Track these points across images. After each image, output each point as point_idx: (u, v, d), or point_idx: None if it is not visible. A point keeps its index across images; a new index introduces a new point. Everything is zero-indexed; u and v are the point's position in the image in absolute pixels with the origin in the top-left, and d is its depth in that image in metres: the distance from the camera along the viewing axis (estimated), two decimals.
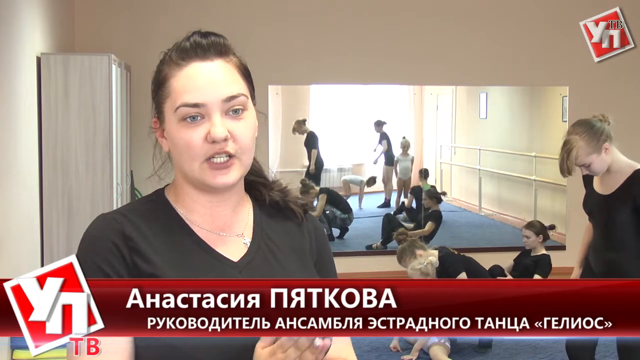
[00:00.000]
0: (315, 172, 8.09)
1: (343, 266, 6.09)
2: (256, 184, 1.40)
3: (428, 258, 5.14)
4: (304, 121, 7.99)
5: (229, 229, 1.34)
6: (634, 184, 3.41)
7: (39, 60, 5.00)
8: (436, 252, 5.05)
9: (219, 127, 1.24)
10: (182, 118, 1.25)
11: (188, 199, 1.32)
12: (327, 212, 8.05)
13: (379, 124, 8.44)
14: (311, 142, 8.06)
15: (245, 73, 1.32)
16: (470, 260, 5.03)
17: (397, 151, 8.55)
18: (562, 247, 7.48)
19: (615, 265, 3.56)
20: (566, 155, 3.35)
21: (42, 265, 5.01)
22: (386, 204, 8.68)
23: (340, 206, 8.01)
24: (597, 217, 3.62)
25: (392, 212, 8.40)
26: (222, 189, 1.29)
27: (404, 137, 8.52)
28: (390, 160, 8.59)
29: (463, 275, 4.90)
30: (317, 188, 7.90)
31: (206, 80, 1.26)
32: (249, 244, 1.34)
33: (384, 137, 8.50)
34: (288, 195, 1.43)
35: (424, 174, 8.34)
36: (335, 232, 8.00)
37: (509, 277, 4.98)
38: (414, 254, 4.95)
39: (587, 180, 3.67)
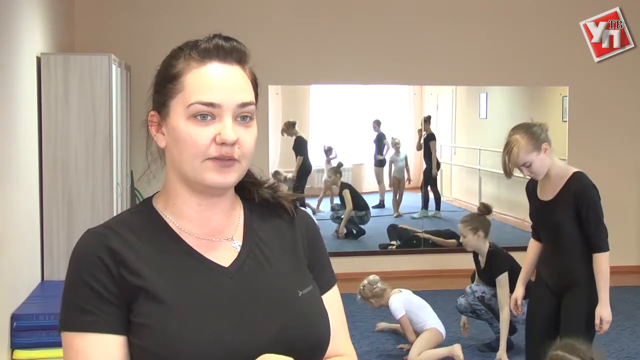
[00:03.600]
0: (300, 177, 8.09)
1: (351, 266, 6.09)
2: (245, 183, 1.39)
3: (369, 278, 5.30)
4: (293, 124, 7.98)
5: (219, 234, 1.32)
6: (572, 187, 3.47)
7: (39, 60, 5.00)
8: (487, 241, 5.08)
9: (231, 131, 1.24)
10: (193, 115, 1.24)
11: (179, 202, 1.31)
12: (340, 210, 8.09)
13: (377, 124, 8.45)
14: (299, 147, 8.06)
15: (255, 85, 1.32)
16: (514, 262, 4.98)
17: (389, 151, 8.57)
18: None
19: (565, 272, 3.56)
20: (507, 155, 3.47)
21: (42, 265, 5.01)
22: (380, 204, 8.68)
23: (356, 204, 8.06)
24: (542, 224, 3.67)
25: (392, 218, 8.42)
26: (217, 190, 1.28)
27: (392, 138, 8.52)
28: (380, 161, 8.60)
29: (505, 277, 4.85)
30: (286, 183, 7.91)
31: (224, 82, 1.26)
32: (239, 248, 1.32)
33: (382, 137, 8.51)
34: (278, 191, 1.41)
35: (427, 120, 8.28)
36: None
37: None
38: (476, 230, 5.00)
39: (531, 190, 3.68)
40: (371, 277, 5.32)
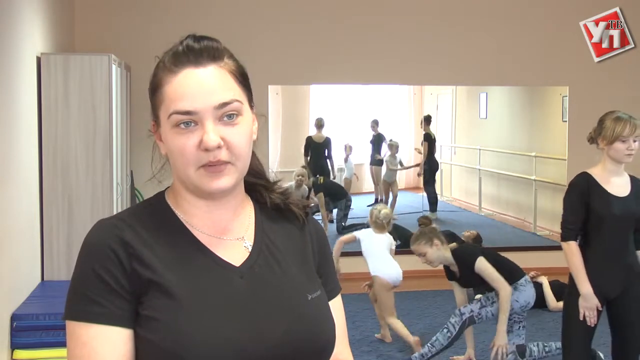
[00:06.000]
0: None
1: (352, 266, 6.10)
2: (257, 185, 1.40)
3: (384, 210, 5.43)
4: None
5: (229, 233, 1.33)
6: (638, 182, 3.66)
7: (39, 60, 5.00)
8: (448, 248, 4.79)
9: (212, 135, 1.23)
10: (176, 124, 1.24)
11: (187, 204, 1.32)
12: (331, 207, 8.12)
13: (375, 124, 8.46)
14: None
15: (241, 77, 1.30)
16: (485, 254, 4.71)
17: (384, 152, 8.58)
18: (561, 248, 7.45)
19: (630, 268, 3.62)
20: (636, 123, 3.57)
21: (42, 265, 5.01)
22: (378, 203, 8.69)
23: (333, 195, 8.09)
24: (622, 219, 3.59)
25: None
26: (218, 194, 1.28)
27: (391, 140, 8.52)
28: (379, 160, 8.60)
29: (481, 260, 4.56)
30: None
31: (198, 87, 1.25)
32: (250, 248, 1.33)
33: (381, 137, 8.51)
34: (289, 198, 1.42)
35: (427, 120, 8.27)
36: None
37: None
38: (431, 241, 4.72)
39: (591, 185, 3.62)
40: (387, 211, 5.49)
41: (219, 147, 1.23)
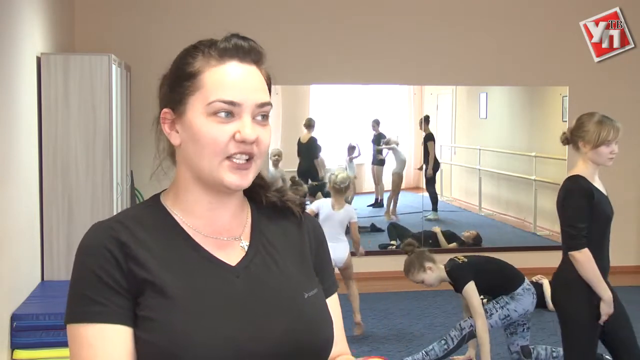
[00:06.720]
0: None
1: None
2: (254, 185, 1.39)
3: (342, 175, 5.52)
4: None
5: (226, 233, 1.33)
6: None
7: (39, 60, 5.00)
8: (441, 266, 4.71)
9: (251, 129, 1.27)
10: (214, 113, 1.26)
11: (191, 200, 1.32)
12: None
13: (376, 123, 8.45)
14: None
15: (269, 86, 1.37)
16: (479, 266, 4.68)
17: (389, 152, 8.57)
18: (560, 248, 7.45)
19: (609, 266, 3.67)
20: (619, 127, 3.62)
21: (42, 265, 5.01)
22: (379, 203, 8.67)
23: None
24: (610, 218, 3.61)
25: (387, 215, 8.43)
26: (233, 190, 1.29)
27: (392, 136, 8.51)
28: (380, 160, 8.59)
29: (469, 286, 4.50)
30: (305, 186, 7.79)
31: (244, 81, 1.29)
32: (246, 248, 1.33)
33: (382, 137, 8.51)
34: (285, 195, 1.43)
35: (427, 120, 8.25)
36: None
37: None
38: (423, 267, 4.67)
39: (590, 186, 3.58)
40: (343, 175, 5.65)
41: (253, 141, 1.27)
